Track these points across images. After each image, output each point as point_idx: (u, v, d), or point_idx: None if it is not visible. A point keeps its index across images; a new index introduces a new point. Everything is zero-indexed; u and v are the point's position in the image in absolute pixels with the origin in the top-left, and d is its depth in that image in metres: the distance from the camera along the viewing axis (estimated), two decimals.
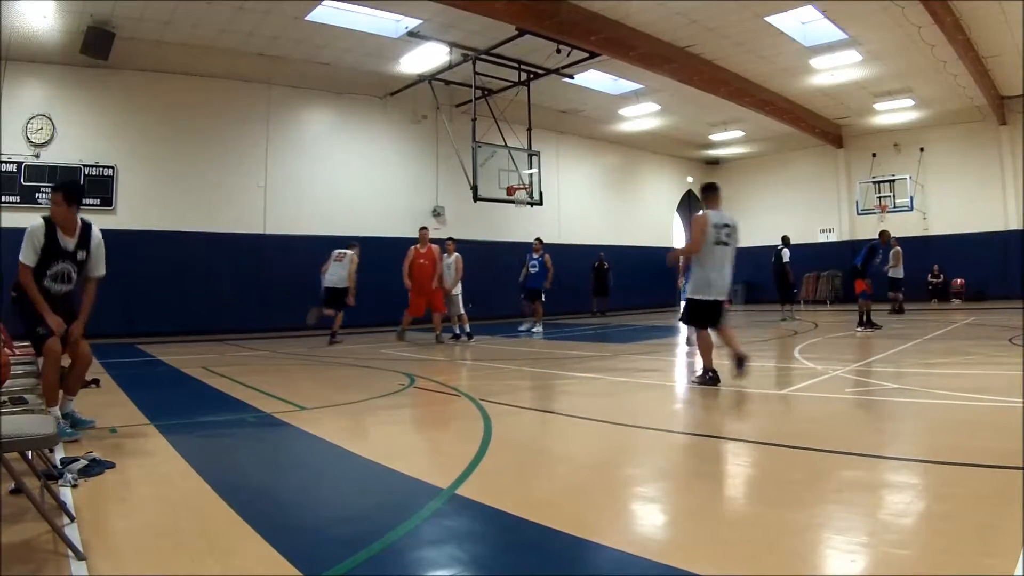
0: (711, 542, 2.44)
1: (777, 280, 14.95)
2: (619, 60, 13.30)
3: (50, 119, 11.97)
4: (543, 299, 13.37)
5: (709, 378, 5.91)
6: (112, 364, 8.31)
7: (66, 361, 4.22)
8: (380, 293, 14.20)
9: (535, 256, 13.36)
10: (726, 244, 5.93)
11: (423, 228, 11.74)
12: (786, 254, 14.94)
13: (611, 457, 3.92)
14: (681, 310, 6.31)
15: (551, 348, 10.61)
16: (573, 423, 4.95)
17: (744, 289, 23.29)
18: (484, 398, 5.54)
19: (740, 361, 5.79)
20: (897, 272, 15.06)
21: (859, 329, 11.00)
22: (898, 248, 15.16)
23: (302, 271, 14.21)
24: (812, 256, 21.29)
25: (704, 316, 6.01)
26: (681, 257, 6.83)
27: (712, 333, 6.05)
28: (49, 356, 4.02)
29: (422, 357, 9.21)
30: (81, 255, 4.28)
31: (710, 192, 6.21)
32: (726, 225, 5.93)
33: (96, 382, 6.39)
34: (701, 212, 6.12)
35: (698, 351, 6.17)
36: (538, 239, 13.73)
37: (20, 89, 11.63)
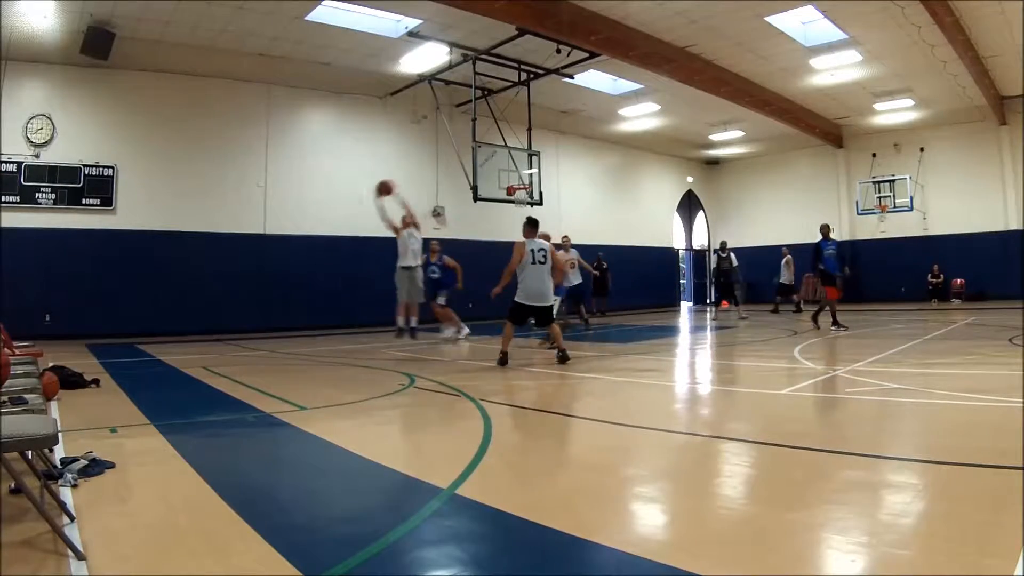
0: (711, 542, 2.44)
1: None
2: (619, 60, 13.30)
3: (50, 119, 11.97)
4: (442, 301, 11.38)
5: (502, 360, 7.68)
6: (112, 364, 8.32)
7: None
8: (379, 293, 14.20)
9: (432, 261, 11.20)
10: (543, 263, 7.87)
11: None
12: (713, 259, 16.31)
13: (611, 457, 3.92)
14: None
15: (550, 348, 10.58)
16: (573, 423, 4.95)
17: (744, 289, 23.32)
18: (484, 398, 5.54)
19: (562, 354, 7.82)
20: (788, 279, 17.79)
21: (833, 328, 11.37)
22: (790, 257, 17.72)
23: (302, 271, 14.25)
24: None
25: (520, 315, 7.96)
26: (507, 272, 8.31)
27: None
28: None
29: (422, 357, 9.21)
30: None
31: (531, 226, 8.13)
32: (541, 249, 7.95)
33: (96, 382, 6.40)
34: (521, 240, 8.00)
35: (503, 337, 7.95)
36: (436, 241, 11.83)
37: (20, 89, 11.64)
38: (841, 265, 12.03)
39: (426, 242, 10.88)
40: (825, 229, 12.16)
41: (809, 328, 11.95)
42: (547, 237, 10.44)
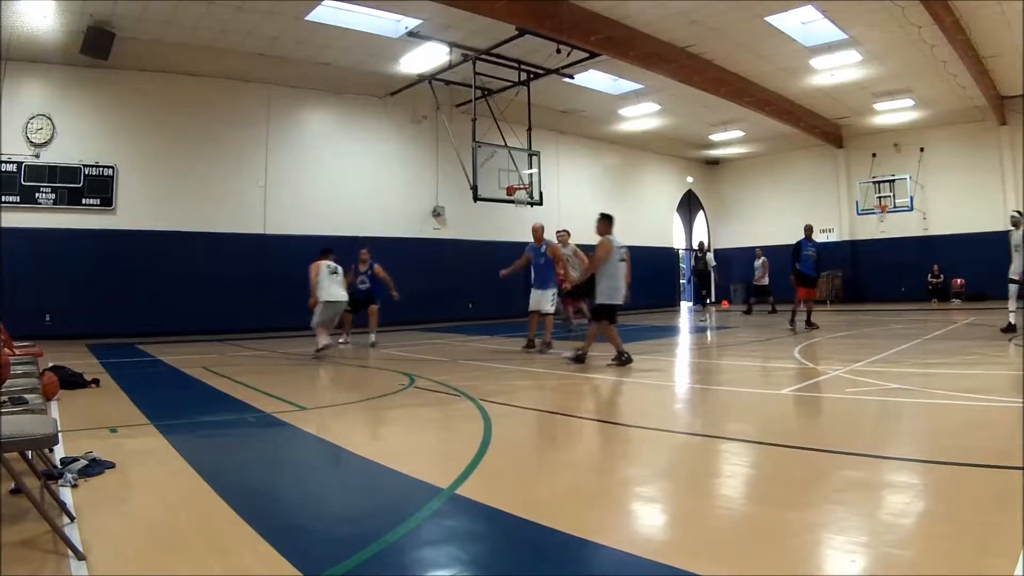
0: (711, 542, 2.44)
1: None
2: (619, 60, 13.29)
3: (50, 119, 11.96)
4: (377, 304, 11.11)
5: (625, 359, 7.53)
6: (112, 364, 8.32)
7: None
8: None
9: (362, 271, 10.87)
10: (624, 261, 7.80)
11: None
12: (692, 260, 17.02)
13: (611, 457, 3.92)
14: (593, 312, 7.97)
15: (551, 349, 10.58)
16: (573, 423, 4.95)
17: (744, 289, 23.32)
18: (484, 398, 5.54)
19: (579, 356, 7.77)
20: (763, 280, 17.63)
21: (790, 327, 11.56)
22: (765, 258, 17.66)
23: (302, 271, 14.21)
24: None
25: (611, 314, 7.79)
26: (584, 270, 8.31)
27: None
28: None
29: (421, 357, 9.21)
30: None
31: (608, 222, 7.89)
32: (623, 247, 7.84)
33: (96, 382, 6.40)
34: (606, 237, 7.73)
35: (610, 342, 7.79)
36: (365, 250, 11.21)
37: (20, 89, 11.63)
38: (816, 267, 12.09)
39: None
40: (808, 229, 12.30)
41: (811, 329, 11.94)
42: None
